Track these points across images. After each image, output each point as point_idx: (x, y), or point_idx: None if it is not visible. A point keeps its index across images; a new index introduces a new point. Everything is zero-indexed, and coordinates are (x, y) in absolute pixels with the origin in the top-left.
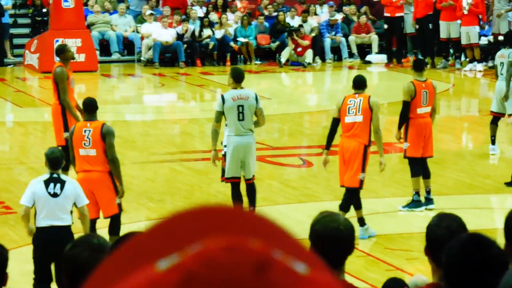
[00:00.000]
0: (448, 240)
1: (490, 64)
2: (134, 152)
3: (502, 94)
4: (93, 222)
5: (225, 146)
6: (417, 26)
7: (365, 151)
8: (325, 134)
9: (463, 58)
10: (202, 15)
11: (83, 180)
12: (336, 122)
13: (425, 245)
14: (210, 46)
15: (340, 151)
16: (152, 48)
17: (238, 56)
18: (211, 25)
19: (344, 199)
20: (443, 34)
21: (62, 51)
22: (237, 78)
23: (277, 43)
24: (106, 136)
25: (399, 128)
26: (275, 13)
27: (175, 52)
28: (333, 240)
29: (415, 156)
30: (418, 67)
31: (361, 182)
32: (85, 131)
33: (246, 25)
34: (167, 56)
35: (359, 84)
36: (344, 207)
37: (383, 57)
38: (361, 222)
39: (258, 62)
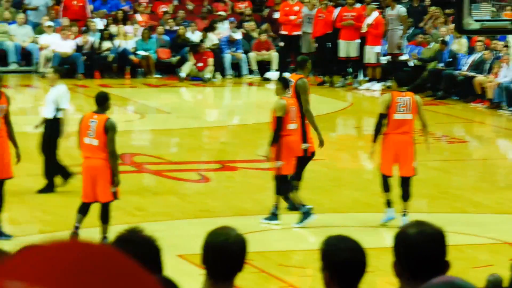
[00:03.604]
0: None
1: (388, 83)
2: (29, 164)
3: None
4: (87, 205)
5: None
6: (316, 45)
7: (413, 143)
8: (223, 149)
9: (361, 77)
10: (102, 27)
11: (87, 167)
12: (383, 117)
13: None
14: (110, 59)
15: (392, 146)
16: (51, 59)
17: (138, 69)
18: (111, 37)
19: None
20: (342, 53)
21: (305, 62)
22: None
23: (178, 57)
24: (108, 130)
25: (273, 144)
26: (176, 27)
27: (74, 64)
28: (220, 252)
29: (287, 173)
30: (285, 85)
31: (415, 169)
32: (91, 121)
33: (147, 38)
34: (65, 68)
35: (405, 81)
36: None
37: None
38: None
39: (158, 76)
